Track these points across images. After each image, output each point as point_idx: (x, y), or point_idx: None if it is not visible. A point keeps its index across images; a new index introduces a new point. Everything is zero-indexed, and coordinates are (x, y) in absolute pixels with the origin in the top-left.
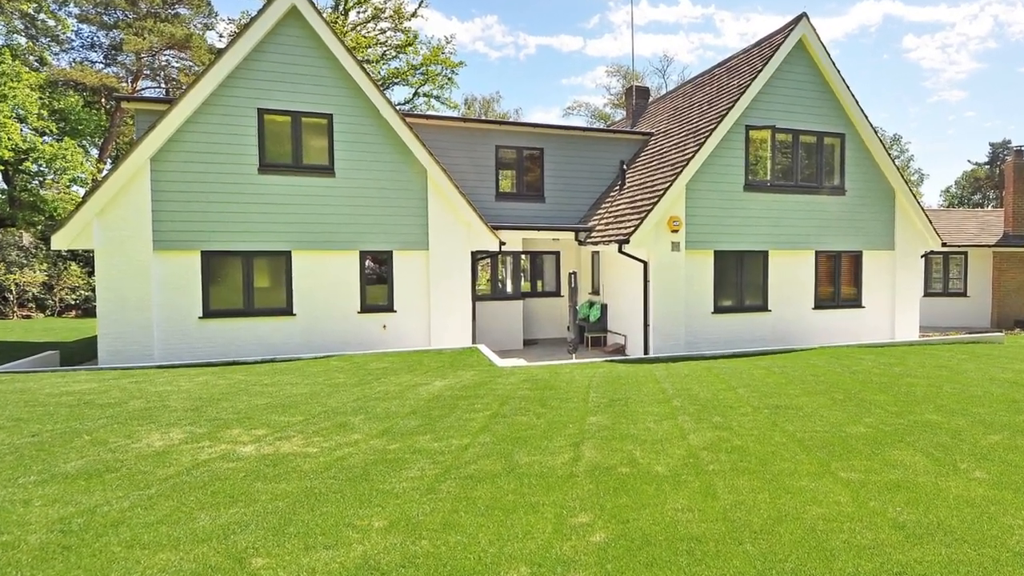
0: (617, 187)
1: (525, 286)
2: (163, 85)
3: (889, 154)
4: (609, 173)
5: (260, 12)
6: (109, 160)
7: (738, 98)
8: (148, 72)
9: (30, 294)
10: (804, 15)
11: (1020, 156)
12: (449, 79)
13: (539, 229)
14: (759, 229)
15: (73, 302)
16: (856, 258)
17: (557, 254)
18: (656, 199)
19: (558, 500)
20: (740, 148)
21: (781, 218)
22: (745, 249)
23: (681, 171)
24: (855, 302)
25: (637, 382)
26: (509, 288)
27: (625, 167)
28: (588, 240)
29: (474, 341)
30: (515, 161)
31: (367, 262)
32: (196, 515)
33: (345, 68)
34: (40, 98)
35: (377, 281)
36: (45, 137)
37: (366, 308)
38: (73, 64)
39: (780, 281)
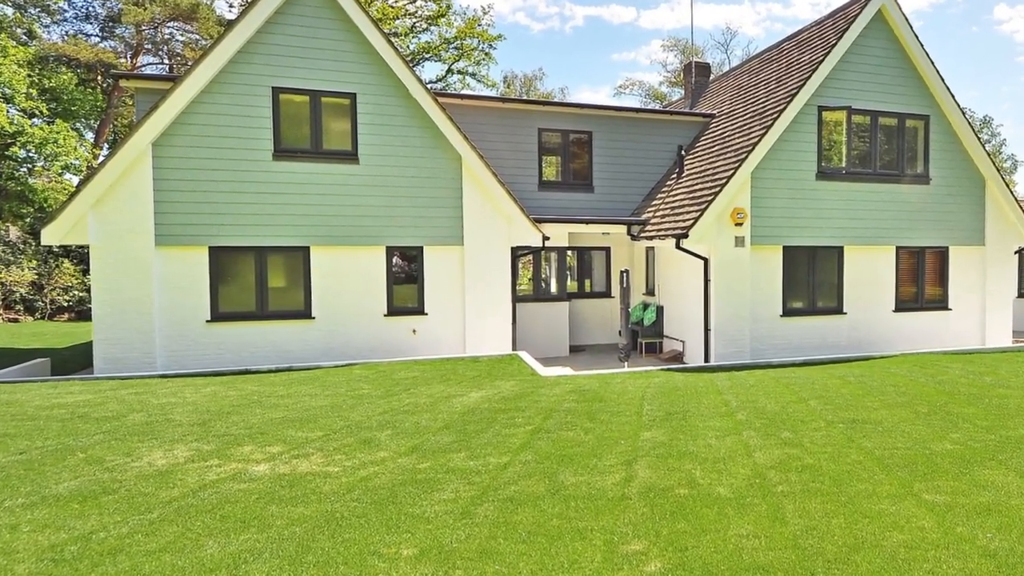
0: (674, 175)
1: (571, 286)
2: (166, 61)
3: (979, 138)
4: (665, 159)
5: None
6: (106, 145)
7: (810, 75)
8: (149, 47)
9: (17, 295)
10: None
11: None
12: (486, 54)
13: (587, 222)
14: (833, 222)
15: (66, 304)
16: (942, 254)
17: (607, 250)
18: (718, 188)
19: (608, 525)
20: (812, 132)
21: (858, 210)
22: (817, 244)
23: (746, 157)
24: (940, 304)
25: (697, 393)
26: (554, 288)
27: (683, 153)
28: (642, 234)
29: (514, 347)
30: (560, 146)
31: (395, 259)
32: (203, 542)
33: (370, 42)
34: (29, 75)
35: (406, 280)
36: (34, 119)
37: (393, 311)
38: (66, 38)
39: (856, 280)
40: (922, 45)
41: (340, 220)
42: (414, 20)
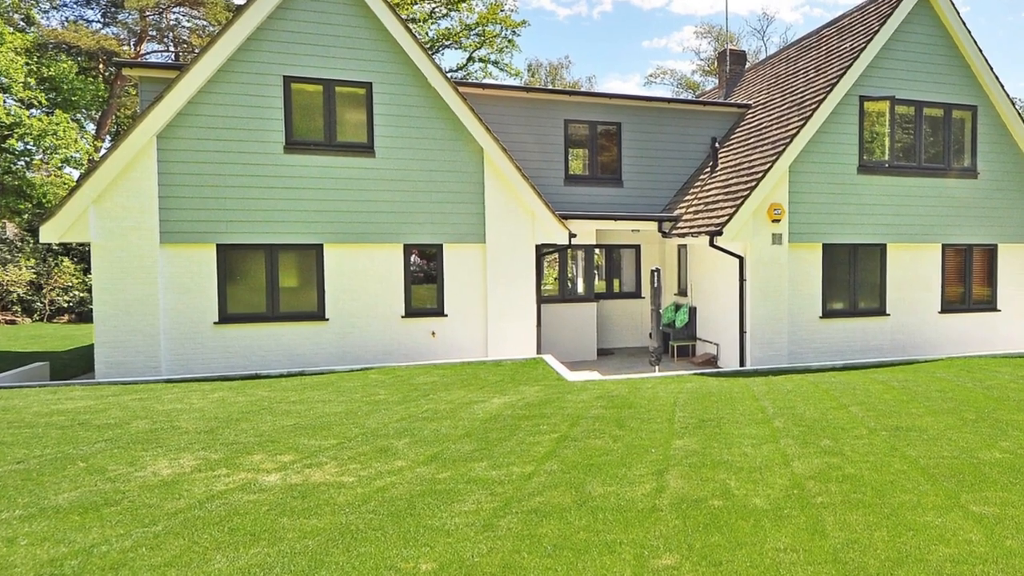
0: (708, 169)
1: (599, 286)
2: (172, 49)
3: None
4: (698, 152)
5: None
6: (108, 137)
7: (851, 64)
8: (154, 33)
9: (15, 295)
10: None
11: None
12: (510, 41)
13: (616, 219)
14: (876, 218)
15: (66, 304)
16: (990, 253)
17: (637, 248)
18: (754, 183)
19: (638, 538)
20: (853, 123)
21: (902, 205)
22: (859, 242)
23: (784, 150)
24: (989, 305)
25: (731, 399)
26: (580, 288)
27: (717, 145)
28: (674, 231)
29: (539, 351)
30: (587, 138)
31: (413, 257)
32: (211, 556)
33: (387, 28)
34: (27, 64)
35: (425, 280)
36: (32, 110)
37: (411, 312)
38: (66, 24)
39: (900, 280)
40: (969, 32)
41: (355, 216)
42: (433, 5)
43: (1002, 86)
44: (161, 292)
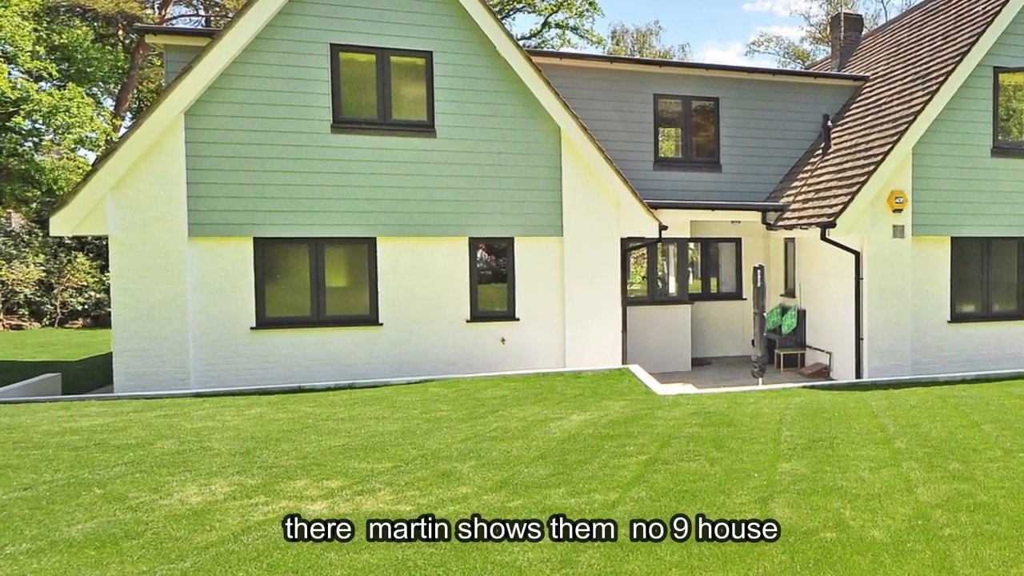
0: (819, 151)
1: (694, 285)
2: (202, 13)
3: None
4: (808, 132)
5: None
6: (129, 114)
7: (984, 29)
8: None
9: (22, 296)
10: None
11: None
12: (591, 4)
13: (713, 208)
14: (1012, 208)
15: (79, 307)
16: None
17: (738, 242)
18: (872, 167)
19: None
20: (987, 98)
21: None
22: (993, 235)
23: (906, 129)
24: None
25: (846, 416)
26: (672, 288)
27: (830, 124)
28: (780, 223)
29: (624, 360)
30: (680, 116)
31: (479, 253)
32: None
33: None
34: (35, 30)
35: (493, 279)
36: (42, 83)
37: (478, 315)
38: None
39: None
40: None
41: (413, 205)
42: None
43: None
44: (190, 293)
